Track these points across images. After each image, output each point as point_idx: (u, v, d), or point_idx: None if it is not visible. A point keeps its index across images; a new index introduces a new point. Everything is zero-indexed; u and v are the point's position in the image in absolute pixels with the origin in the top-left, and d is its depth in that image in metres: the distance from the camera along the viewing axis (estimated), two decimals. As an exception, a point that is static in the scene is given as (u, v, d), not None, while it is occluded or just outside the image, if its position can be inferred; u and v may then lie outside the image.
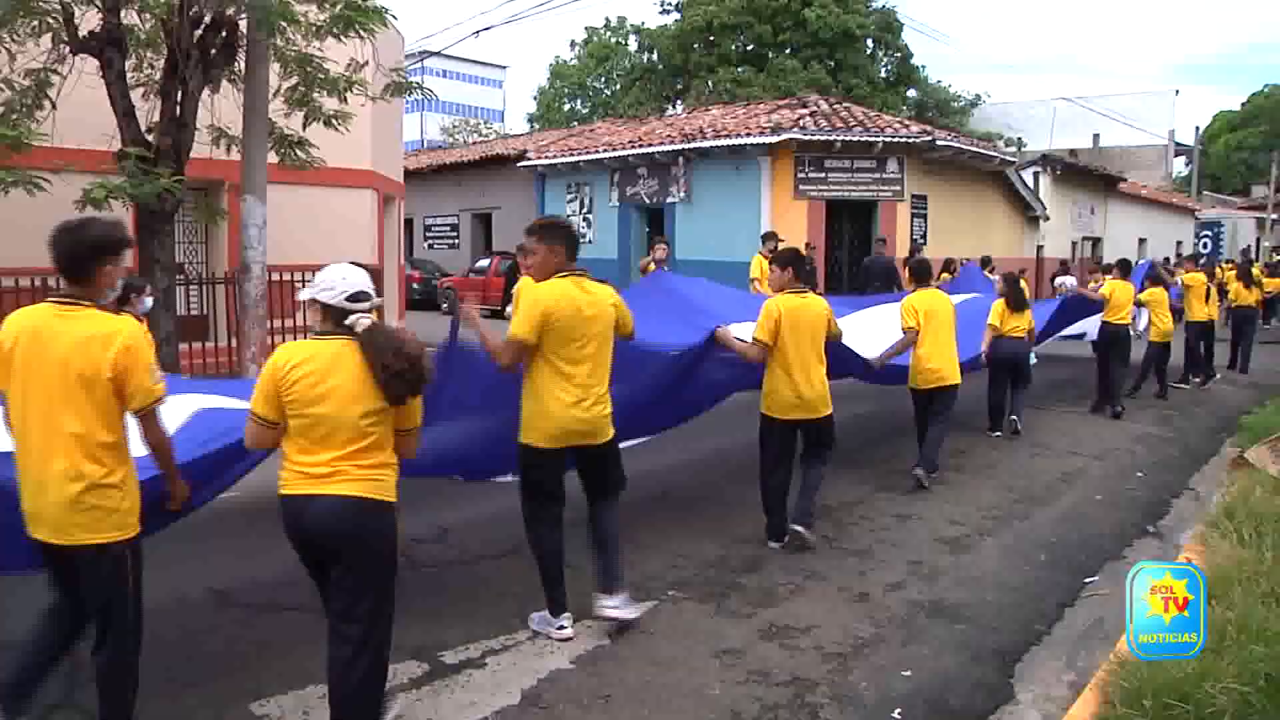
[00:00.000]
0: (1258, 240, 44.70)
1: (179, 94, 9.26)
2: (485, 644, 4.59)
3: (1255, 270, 16.89)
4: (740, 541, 6.14)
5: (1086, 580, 5.68)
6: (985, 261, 15.91)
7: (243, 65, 9.88)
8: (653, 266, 11.61)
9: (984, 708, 4.09)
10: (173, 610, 4.96)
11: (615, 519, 4.90)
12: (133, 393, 3.35)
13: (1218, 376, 13.97)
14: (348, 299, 3.50)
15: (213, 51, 9.42)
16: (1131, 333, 11.42)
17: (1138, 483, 8.11)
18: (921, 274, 8.07)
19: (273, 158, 10.58)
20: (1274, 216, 47.25)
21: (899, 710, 4.01)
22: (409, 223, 27.18)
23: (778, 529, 6.07)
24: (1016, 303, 9.62)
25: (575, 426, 4.60)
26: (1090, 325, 11.91)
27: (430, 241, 29.68)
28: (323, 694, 4.02)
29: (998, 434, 9.70)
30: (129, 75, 9.51)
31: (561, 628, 4.68)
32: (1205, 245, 40.61)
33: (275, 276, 10.69)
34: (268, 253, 9.99)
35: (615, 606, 4.73)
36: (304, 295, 3.67)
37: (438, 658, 4.44)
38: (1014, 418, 9.76)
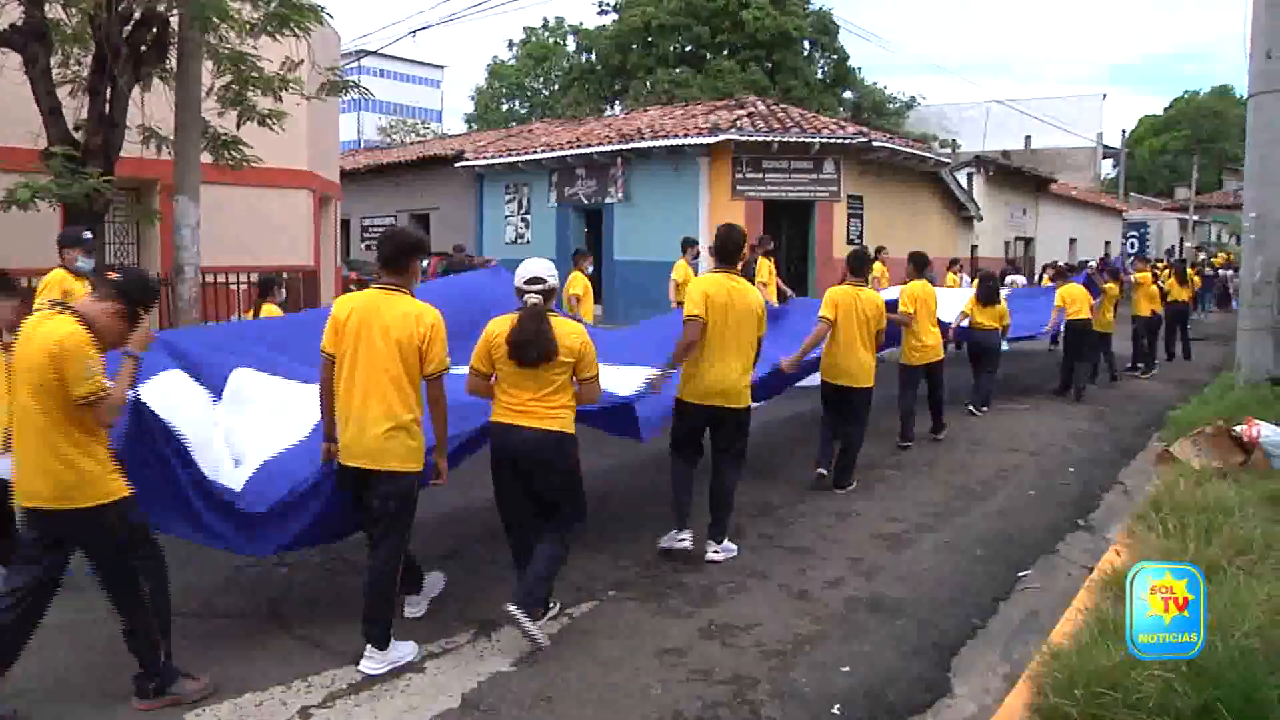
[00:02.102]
0: (1181, 240, 45.93)
1: (108, 91, 9.05)
2: (425, 647, 4.56)
3: (1189, 270, 18.65)
4: (686, 539, 6.16)
5: (1020, 574, 5.79)
6: (954, 262, 17.86)
7: (174, 63, 9.68)
8: (581, 287, 11.38)
9: (922, 701, 4.15)
10: (103, 619, 4.84)
11: (733, 481, 5.96)
12: (430, 359, 4.33)
13: (1157, 369, 15.29)
14: (525, 283, 4.71)
15: (143, 48, 9.22)
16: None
17: (1070, 478, 8.29)
18: (921, 265, 9.29)
19: (206, 158, 10.38)
20: (1196, 218, 48.61)
21: (839, 706, 4.05)
22: (346, 223, 26.82)
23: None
24: (985, 297, 10.90)
25: (716, 388, 5.73)
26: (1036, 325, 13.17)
27: (368, 242, 29.29)
28: (260, 702, 3.98)
29: (969, 407, 10.91)
30: (55, 71, 9.27)
31: (682, 540, 5.82)
32: (1133, 245, 41.66)
33: (210, 278, 10.48)
34: (202, 254, 9.80)
35: (716, 555, 5.86)
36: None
37: (378, 662, 4.39)
38: (969, 406, 10.93)
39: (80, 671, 4.28)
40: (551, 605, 4.92)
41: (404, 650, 4.43)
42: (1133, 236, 43.09)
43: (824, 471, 7.55)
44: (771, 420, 9.46)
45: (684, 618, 4.97)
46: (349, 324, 4.31)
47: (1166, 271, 17.69)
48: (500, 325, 4.69)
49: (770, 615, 5.02)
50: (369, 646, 4.33)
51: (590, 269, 11.87)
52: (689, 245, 12.85)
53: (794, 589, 5.42)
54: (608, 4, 41.98)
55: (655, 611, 5.06)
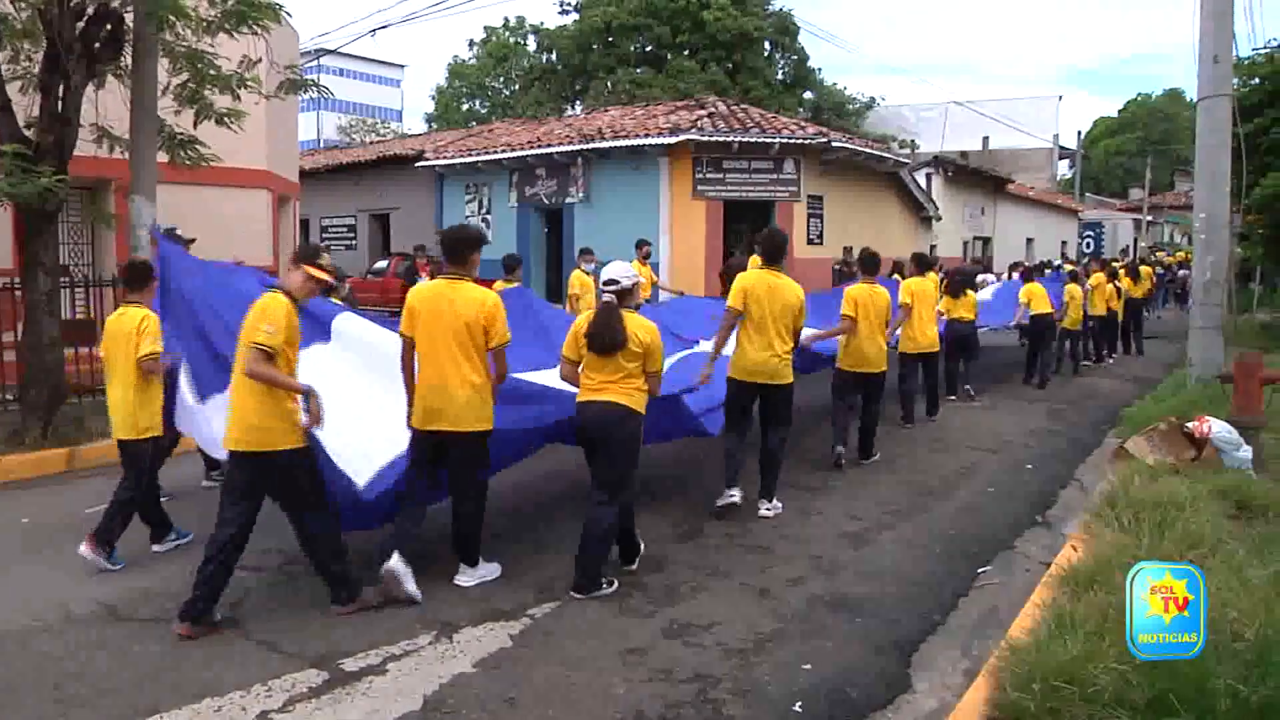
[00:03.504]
0: (1135, 240, 46.61)
1: (60, 89, 8.88)
2: (386, 650, 4.53)
3: (1143, 270, 19.76)
4: (644, 540, 6.18)
5: (980, 570, 5.86)
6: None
7: (130, 60, 9.55)
8: (580, 285, 12.22)
9: (883, 697, 4.18)
10: (58, 627, 4.79)
11: (780, 449, 6.95)
12: (494, 335, 5.16)
13: (1110, 361, 16.64)
14: (604, 284, 5.50)
15: (96, 45, 9.06)
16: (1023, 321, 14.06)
17: (1029, 475, 8.40)
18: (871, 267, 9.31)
19: (163, 157, 10.24)
20: (1149, 218, 49.34)
21: (801, 703, 4.07)
22: (305, 223, 26.56)
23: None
24: (955, 291, 11.98)
25: (760, 368, 6.69)
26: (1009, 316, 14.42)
27: (327, 242, 29.04)
28: (219, 708, 3.95)
29: (953, 397, 11.92)
30: (5, 67, 9.09)
31: (731, 497, 6.76)
32: (1088, 245, 42.23)
33: (166, 278, 10.33)
34: (158, 254, 9.67)
35: (767, 511, 6.86)
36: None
37: (338, 666, 4.37)
38: (967, 386, 12.25)
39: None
40: (606, 587, 5.37)
41: (490, 569, 5.49)
42: (1088, 236, 43.68)
43: (843, 449, 8.35)
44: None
45: (646, 617, 4.99)
46: (423, 310, 5.16)
47: (1123, 270, 18.56)
48: (584, 319, 5.53)
49: (732, 614, 5.04)
50: (462, 565, 5.41)
51: (591, 268, 12.41)
52: (642, 244, 13.68)
53: (756, 587, 5.45)
54: (568, 4, 41.93)
55: (617, 611, 5.07)
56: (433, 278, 6.04)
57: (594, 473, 5.46)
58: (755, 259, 7.18)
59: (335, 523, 5.08)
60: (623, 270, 5.52)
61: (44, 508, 7.12)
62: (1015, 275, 18.27)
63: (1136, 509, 5.72)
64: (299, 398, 4.75)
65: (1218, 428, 7.27)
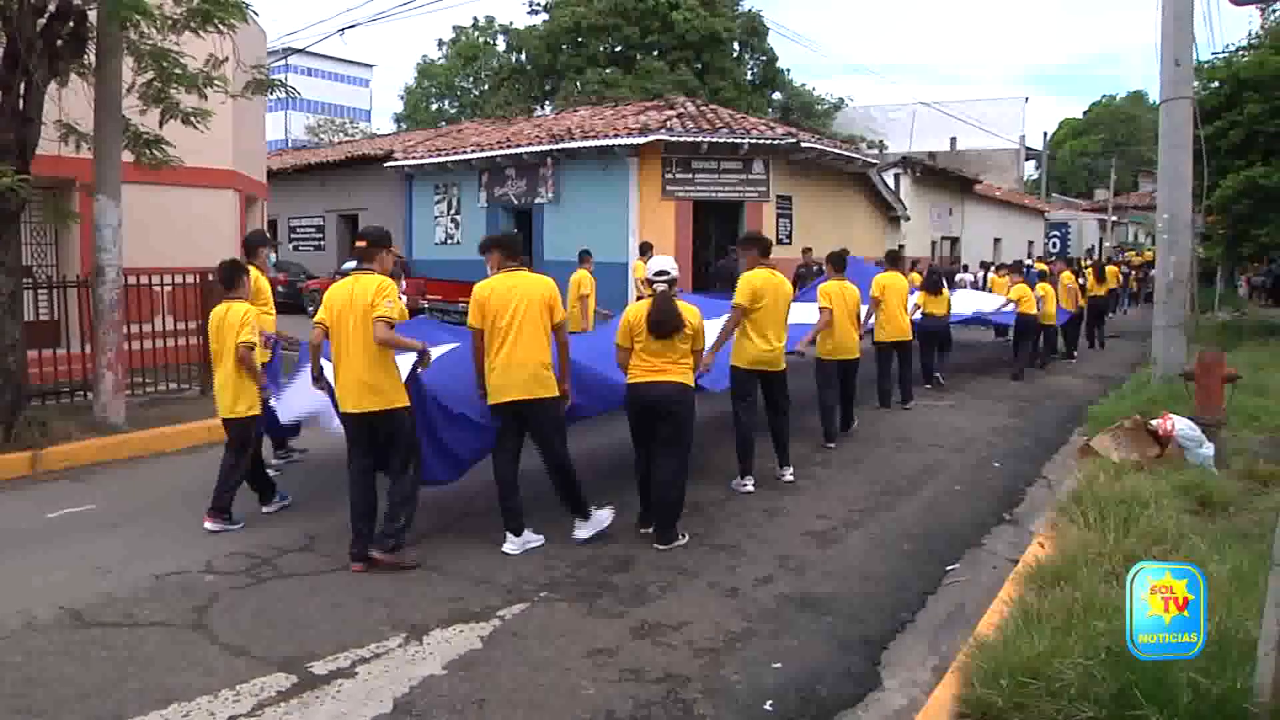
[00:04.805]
0: (1101, 240, 47.13)
1: (22, 86, 8.77)
2: (356, 653, 4.50)
3: (1108, 269, 21.03)
4: (612, 540, 6.20)
5: (948, 568, 5.90)
6: (914, 263, 20.27)
7: (93, 58, 9.43)
8: (590, 286, 13.13)
9: (852, 695, 4.19)
10: (20, 632, 4.73)
11: (785, 425, 7.83)
12: (557, 315, 5.94)
13: (1075, 359, 17.05)
14: (654, 274, 6.19)
15: (59, 42, 8.95)
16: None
17: (995, 473, 8.47)
18: (839, 264, 9.95)
19: (128, 156, 10.11)
20: (1114, 218, 49.89)
21: (770, 702, 4.08)
22: (273, 224, 26.38)
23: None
24: (932, 288, 13.14)
25: (762, 357, 7.44)
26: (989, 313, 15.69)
27: (295, 243, 28.90)
28: (186, 713, 3.92)
29: (929, 385, 12.85)
30: (-38, 64, 8.96)
31: (745, 485, 7.49)
32: (1055, 245, 42.70)
33: (132, 280, 10.21)
34: (124, 255, 9.56)
35: (788, 476, 7.78)
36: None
37: (307, 669, 4.33)
38: (938, 375, 13.14)
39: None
40: (681, 538, 6.19)
41: (603, 515, 6.20)
42: (1054, 236, 44.17)
43: (832, 445, 9.18)
44: (696, 422, 9.50)
45: (615, 618, 4.98)
46: (491, 300, 5.85)
47: (1089, 269, 19.56)
48: (639, 309, 6.17)
49: (701, 614, 5.04)
50: (577, 520, 6.13)
51: (592, 268, 13.27)
52: (647, 249, 14.66)
53: (724, 587, 5.46)
54: (538, 4, 41.94)
55: (586, 612, 5.06)
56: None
57: (661, 441, 6.15)
58: (750, 258, 7.63)
59: (418, 479, 5.92)
60: (670, 262, 6.27)
61: (4, 514, 7.00)
62: (990, 274, 19.84)
63: (1102, 506, 5.78)
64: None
65: (1181, 425, 7.37)
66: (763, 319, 7.41)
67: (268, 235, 9.22)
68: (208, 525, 6.42)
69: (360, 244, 5.80)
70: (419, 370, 5.94)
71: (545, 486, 6.22)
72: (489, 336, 5.85)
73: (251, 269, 7.71)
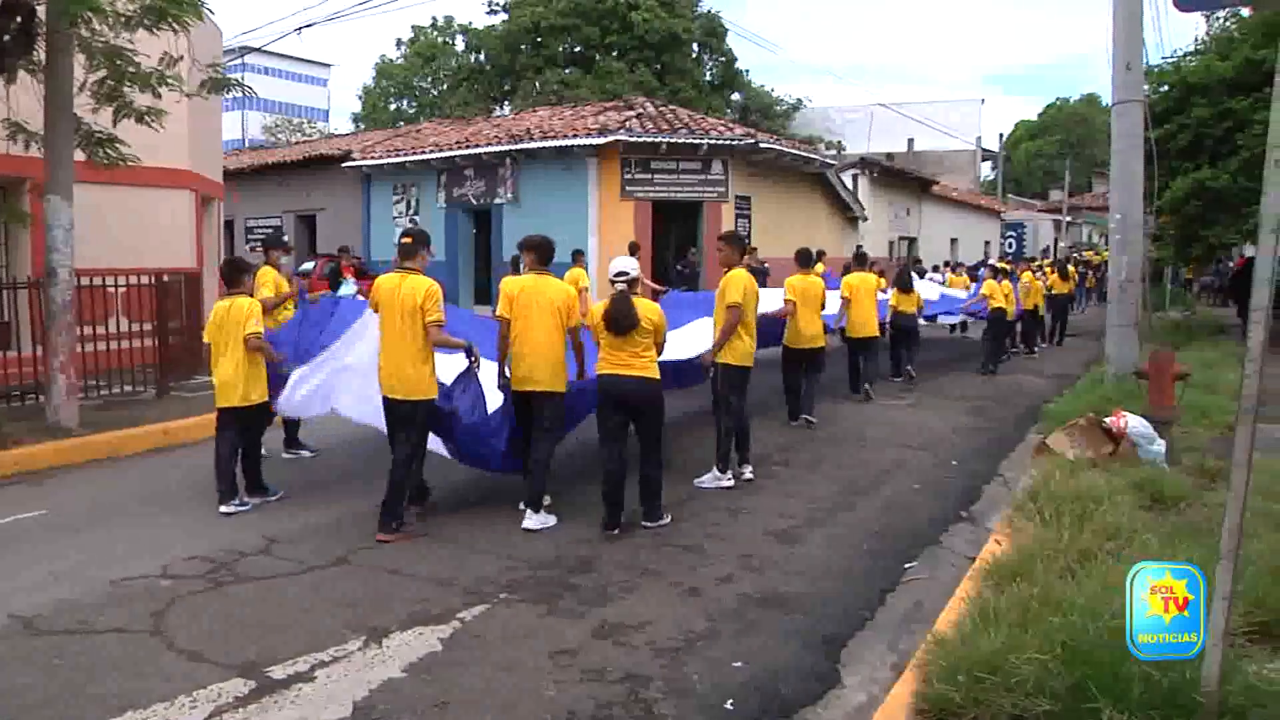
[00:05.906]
0: (1056, 240, 47.73)
1: (-31, 84, 8.63)
2: (315, 656, 4.46)
3: (1070, 268, 22.00)
4: (574, 541, 6.22)
5: (907, 566, 5.95)
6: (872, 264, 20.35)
7: (43, 55, 9.27)
8: (586, 283, 13.94)
9: (813, 693, 4.22)
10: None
11: (747, 423, 8.04)
12: (573, 318, 6.56)
13: (1037, 353, 18.30)
14: (614, 275, 6.48)
15: (6, 38, 8.80)
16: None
17: (953, 471, 8.56)
18: (807, 261, 10.69)
19: (80, 155, 9.95)
20: (1069, 219, 50.58)
21: (731, 701, 4.09)
22: (229, 224, 26.07)
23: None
24: (903, 285, 13.70)
25: (751, 352, 7.86)
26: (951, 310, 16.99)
27: (252, 244, 28.54)
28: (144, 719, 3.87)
29: (898, 379, 13.68)
30: (-92, 62, 8.79)
31: (744, 472, 7.88)
32: (1010, 245, 43.19)
33: (85, 281, 10.04)
34: (77, 256, 9.40)
35: (748, 474, 7.90)
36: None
37: (265, 673, 4.28)
38: (909, 368, 13.78)
39: None
40: (665, 517, 6.67)
41: (550, 519, 6.54)
42: (1010, 236, 44.67)
43: (809, 418, 10.18)
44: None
45: (576, 618, 4.98)
46: (520, 297, 6.54)
47: (1050, 268, 20.52)
48: (599, 307, 6.54)
49: (662, 613, 5.05)
50: (528, 510, 6.49)
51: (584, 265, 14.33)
52: (635, 248, 15.45)
53: (685, 586, 5.47)
54: (497, 4, 41.74)
55: (547, 613, 5.05)
56: (359, 279, 6.95)
57: (641, 432, 6.58)
58: (732, 256, 7.94)
59: (422, 464, 6.46)
60: (629, 263, 6.58)
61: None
62: (949, 273, 20.95)
63: (1057, 503, 5.87)
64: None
65: (1134, 423, 7.49)
66: (749, 317, 7.79)
67: (283, 238, 9.59)
68: (249, 501, 6.98)
69: (405, 240, 6.39)
70: (474, 365, 6.50)
71: (475, 495, 6.24)
72: (515, 329, 6.52)
73: (269, 270, 8.40)
